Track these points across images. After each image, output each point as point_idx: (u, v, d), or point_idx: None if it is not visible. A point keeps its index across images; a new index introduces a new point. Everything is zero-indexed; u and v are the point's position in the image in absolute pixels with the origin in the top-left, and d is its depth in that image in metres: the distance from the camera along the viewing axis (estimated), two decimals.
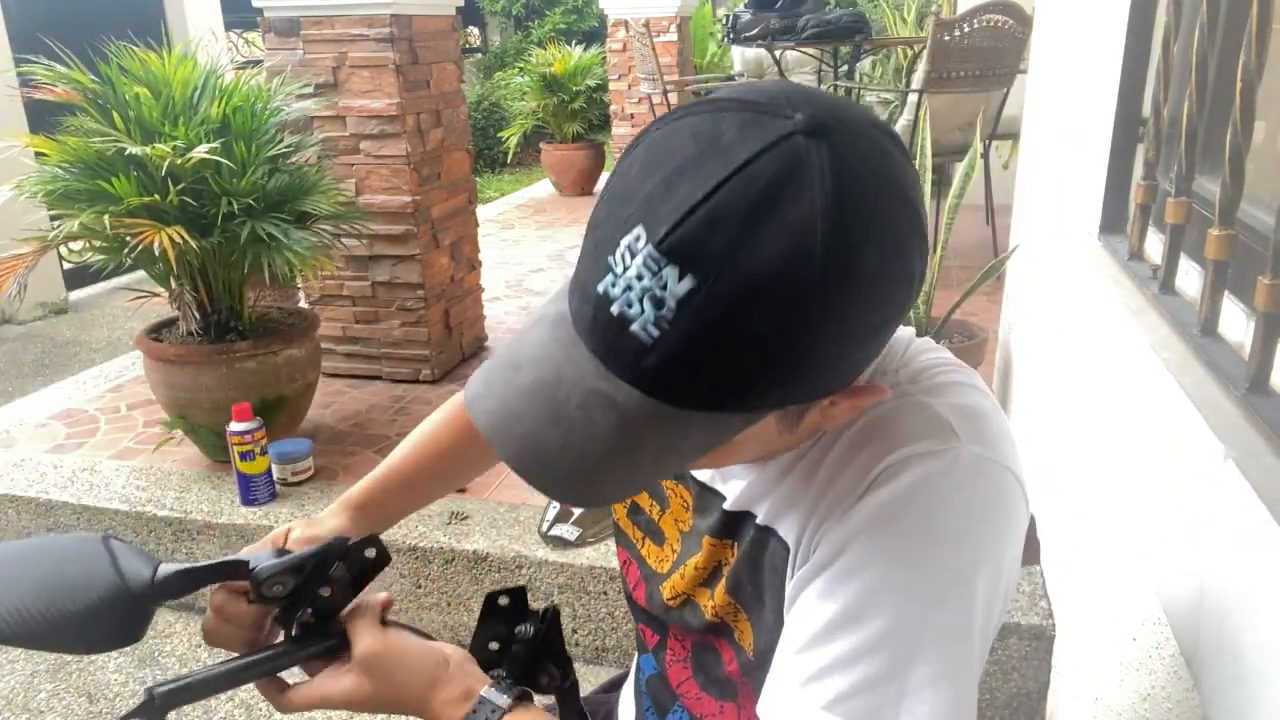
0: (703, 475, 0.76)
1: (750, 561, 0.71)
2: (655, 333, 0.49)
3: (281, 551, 0.74)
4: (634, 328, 0.50)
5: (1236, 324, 1.02)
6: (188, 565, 0.72)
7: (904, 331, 0.70)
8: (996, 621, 0.63)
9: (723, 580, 0.74)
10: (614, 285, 0.50)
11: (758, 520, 0.70)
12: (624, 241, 0.50)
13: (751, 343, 0.49)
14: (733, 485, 0.72)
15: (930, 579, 0.58)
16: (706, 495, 0.76)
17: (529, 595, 0.81)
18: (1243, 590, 0.81)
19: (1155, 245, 1.34)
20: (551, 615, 0.79)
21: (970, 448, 0.61)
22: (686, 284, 0.48)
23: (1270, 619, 0.74)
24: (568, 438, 0.53)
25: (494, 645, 0.79)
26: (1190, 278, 1.20)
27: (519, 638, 0.79)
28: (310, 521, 0.83)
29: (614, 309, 0.50)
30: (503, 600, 0.80)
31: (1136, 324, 1.17)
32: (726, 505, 0.72)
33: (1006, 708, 1.71)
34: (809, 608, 0.61)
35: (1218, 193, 0.99)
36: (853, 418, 0.63)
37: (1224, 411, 0.89)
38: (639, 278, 0.49)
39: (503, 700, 0.69)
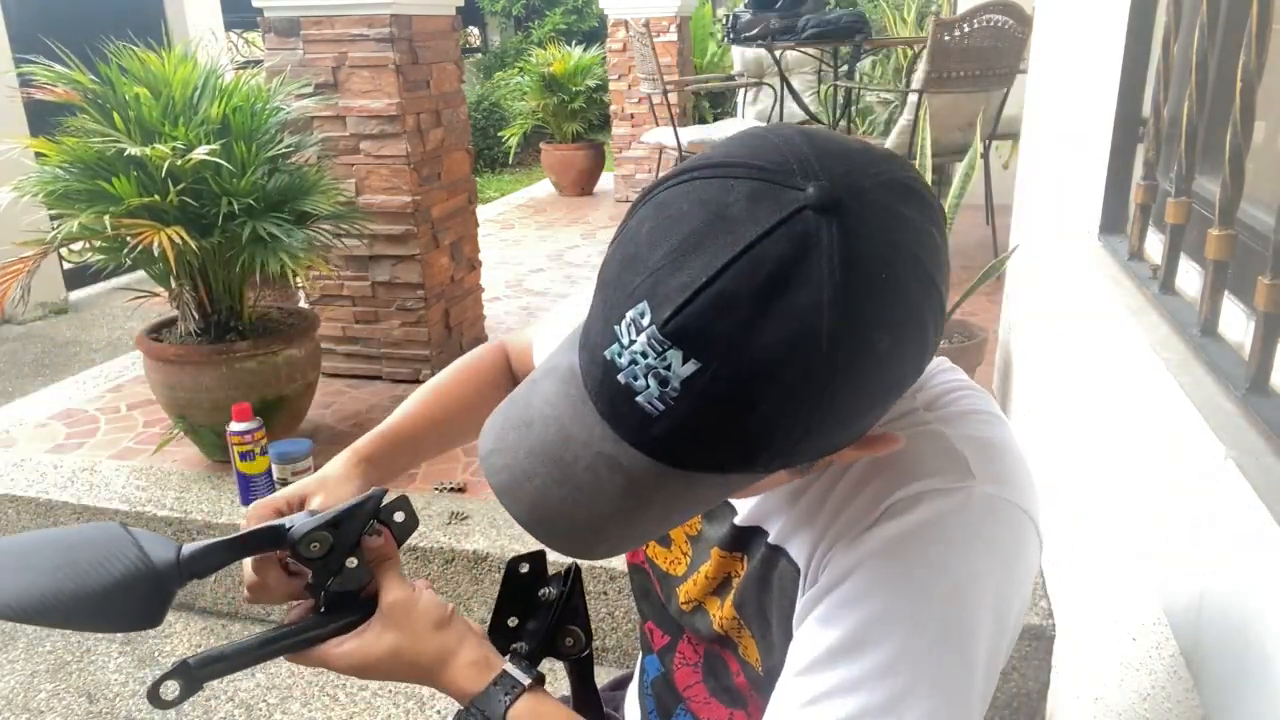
0: None
1: (759, 579, 0.70)
2: (660, 407, 0.49)
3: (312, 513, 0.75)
4: (639, 399, 0.50)
5: (1236, 324, 1.02)
6: (216, 540, 0.71)
7: None
8: (1001, 661, 0.62)
9: (731, 593, 0.74)
10: (620, 355, 0.50)
11: (769, 539, 0.69)
12: (629, 315, 0.49)
13: (757, 420, 0.49)
14: (746, 501, 0.72)
15: (934, 615, 0.58)
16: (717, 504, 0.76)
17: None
18: (1243, 590, 0.81)
19: (1155, 245, 1.34)
20: (574, 576, 0.79)
21: (984, 487, 0.60)
22: (690, 367, 0.48)
23: (1270, 619, 0.74)
24: (575, 498, 0.53)
25: (512, 621, 0.80)
26: (1190, 278, 1.20)
27: (543, 600, 0.79)
28: (323, 484, 0.81)
29: (620, 378, 0.50)
30: (523, 567, 0.80)
31: (1136, 324, 1.17)
32: (738, 520, 0.72)
33: (1006, 708, 1.71)
34: (812, 632, 0.61)
35: (1218, 193, 0.99)
36: (864, 457, 0.62)
37: (1224, 411, 0.89)
38: (643, 354, 0.49)
39: (524, 678, 0.69)
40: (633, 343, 0.49)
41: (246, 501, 2.19)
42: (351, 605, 0.73)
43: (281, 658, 0.72)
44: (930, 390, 0.67)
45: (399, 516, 0.76)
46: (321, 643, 0.72)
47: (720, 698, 0.80)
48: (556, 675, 0.86)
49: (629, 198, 5.97)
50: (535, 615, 0.80)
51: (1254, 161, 0.97)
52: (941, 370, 0.70)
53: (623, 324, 0.50)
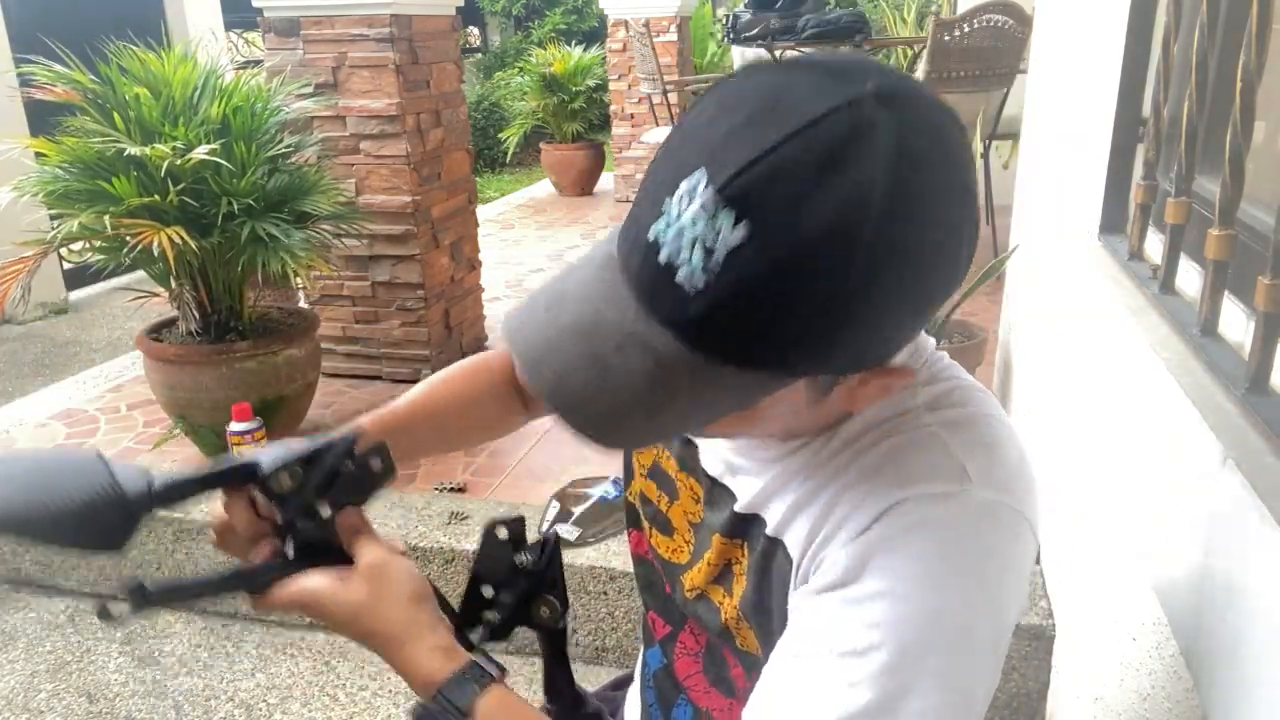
0: (714, 469, 0.75)
1: (760, 571, 0.70)
2: (700, 283, 0.49)
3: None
4: (680, 276, 0.50)
5: (1236, 324, 1.02)
6: (188, 473, 0.70)
7: (925, 341, 0.70)
8: (1000, 660, 0.62)
9: (735, 583, 0.73)
10: (666, 230, 0.50)
11: (767, 530, 0.69)
12: (684, 185, 0.50)
13: (793, 306, 0.49)
14: (744, 484, 0.72)
15: (932, 619, 0.58)
16: (718, 490, 0.75)
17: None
18: (1243, 590, 0.81)
19: (1155, 245, 1.33)
20: (553, 544, 0.78)
21: (981, 492, 0.60)
22: (740, 234, 0.48)
23: (1270, 619, 0.74)
24: (603, 379, 0.53)
25: (488, 591, 0.78)
26: (1190, 278, 1.20)
27: (521, 568, 0.77)
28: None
29: (662, 256, 0.51)
30: (501, 533, 0.78)
31: (1136, 324, 1.17)
32: (737, 506, 0.72)
33: (1006, 708, 1.71)
34: (806, 628, 0.61)
35: (1218, 193, 0.98)
36: (881, 399, 0.62)
37: (1224, 411, 0.88)
38: (693, 222, 0.49)
39: (493, 670, 0.67)
40: (682, 213, 0.50)
41: None
42: (320, 556, 0.70)
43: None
44: (933, 388, 0.67)
45: (376, 464, 0.71)
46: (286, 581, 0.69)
47: (720, 688, 0.81)
48: (531, 674, 0.85)
49: (629, 198, 5.96)
50: (511, 585, 0.78)
51: (1254, 161, 0.97)
52: (945, 367, 0.70)
53: (674, 196, 0.50)
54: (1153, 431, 1.11)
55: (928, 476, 0.61)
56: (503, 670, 0.68)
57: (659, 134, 5.03)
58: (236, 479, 0.71)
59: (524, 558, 0.78)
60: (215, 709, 1.89)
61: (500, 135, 7.69)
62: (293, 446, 0.71)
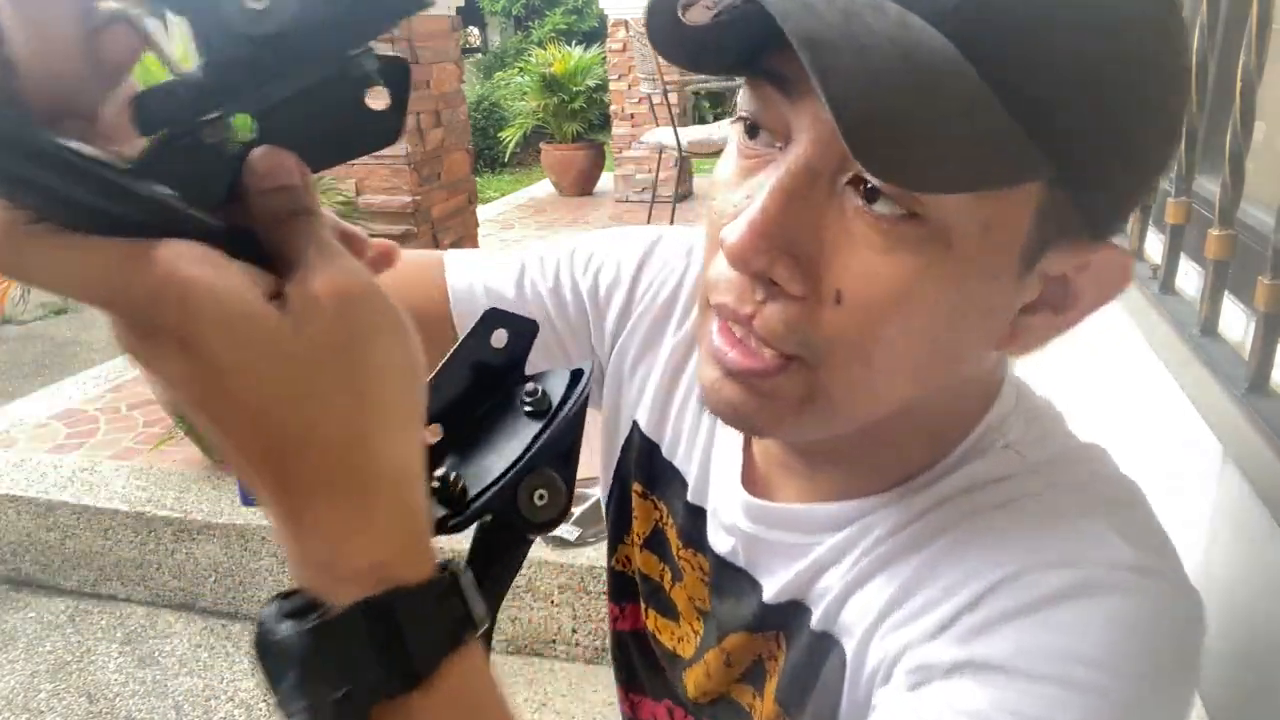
0: (722, 547, 0.62)
1: (806, 667, 0.56)
2: None
3: None
4: None
5: (1236, 324, 1.02)
6: None
7: (1029, 391, 0.58)
8: None
9: (772, 682, 0.59)
10: None
11: (813, 623, 0.55)
12: None
13: (1067, 34, 0.40)
14: (771, 567, 0.59)
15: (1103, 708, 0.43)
16: (729, 575, 0.62)
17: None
18: (1242, 591, 0.81)
19: (1155, 245, 1.34)
20: (586, 379, 0.44)
21: (1133, 560, 0.46)
22: None
23: (1270, 619, 0.74)
24: (885, 53, 0.39)
25: (434, 433, 0.43)
26: (1190, 278, 1.20)
27: (530, 399, 0.43)
28: None
29: None
30: (499, 337, 0.44)
31: (1136, 324, 1.17)
32: (767, 598, 0.58)
33: None
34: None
35: (1218, 193, 0.98)
36: (1102, 299, 0.49)
37: (1224, 411, 0.88)
38: None
39: (478, 608, 0.36)
40: None
41: (246, 501, 2.18)
42: (203, 202, 0.31)
43: None
44: (1043, 449, 0.53)
45: (379, 101, 0.34)
46: (179, 226, 0.30)
47: None
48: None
49: (629, 198, 5.97)
50: (492, 433, 0.43)
51: (1254, 161, 0.97)
52: (1056, 423, 0.57)
53: None
54: (1153, 432, 1.11)
55: (1057, 547, 0.46)
56: (480, 618, 0.36)
57: (659, 134, 5.03)
58: None
59: (534, 389, 0.43)
60: (215, 709, 1.89)
61: (500, 135, 7.70)
62: None
